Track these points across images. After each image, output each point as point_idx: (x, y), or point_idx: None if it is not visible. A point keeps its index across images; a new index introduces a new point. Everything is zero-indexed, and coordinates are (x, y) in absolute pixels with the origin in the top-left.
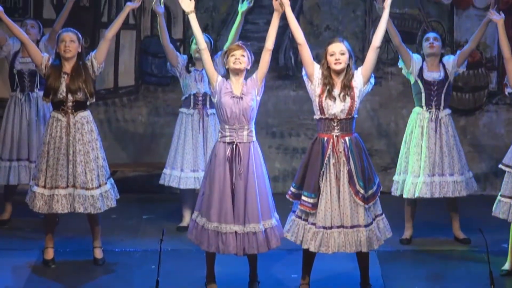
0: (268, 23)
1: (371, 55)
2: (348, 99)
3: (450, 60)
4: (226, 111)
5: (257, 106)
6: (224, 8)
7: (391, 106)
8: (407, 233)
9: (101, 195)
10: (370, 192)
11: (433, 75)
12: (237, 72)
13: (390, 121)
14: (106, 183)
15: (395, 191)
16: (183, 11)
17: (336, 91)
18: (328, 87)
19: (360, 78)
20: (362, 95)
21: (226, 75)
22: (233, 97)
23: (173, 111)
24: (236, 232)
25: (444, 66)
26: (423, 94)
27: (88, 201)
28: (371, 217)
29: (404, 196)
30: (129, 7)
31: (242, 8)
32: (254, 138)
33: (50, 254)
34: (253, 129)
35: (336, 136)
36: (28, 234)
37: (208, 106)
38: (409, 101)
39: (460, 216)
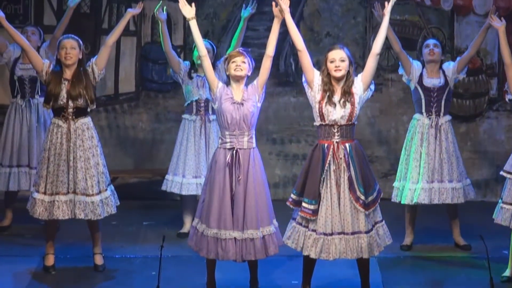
0: (268, 29)
1: (371, 62)
2: (348, 105)
3: (450, 67)
4: (226, 117)
5: (257, 113)
6: (224, 14)
7: (392, 113)
8: (407, 240)
9: (101, 201)
10: (370, 198)
11: (433, 81)
12: (237, 78)
13: (391, 127)
14: (106, 190)
15: (395, 198)
16: (184, 18)
17: (336, 98)
18: (328, 94)
19: (360, 85)
20: (362, 101)
21: (227, 81)
22: (234, 103)
23: (174, 118)
24: (235, 238)
25: (444, 72)
26: (423, 101)
27: (89, 208)
28: (371, 223)
29: (402, 202)
30: (130, 13)
31: (245, 14)
32: (255, 145)
33: (50, 260)
34: (253, 135)
35: (336, 142)
36: (28, 240)
37: (210, 112)
38: (410, 107)
39: (460, 222)
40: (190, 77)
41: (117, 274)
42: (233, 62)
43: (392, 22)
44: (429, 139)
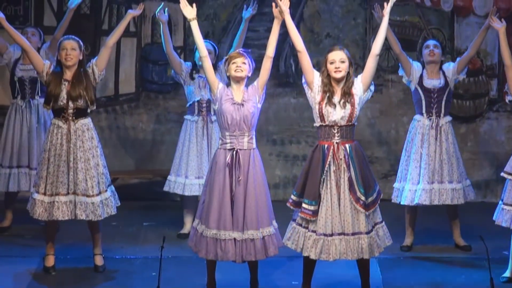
0: (268, 30)
1: (371, 63)
2: (348, 106)
3: (450, 67)
4: (227, 118)
5: (258, 113)
6: (224, 15)
7: (392, 114)
8: (407, 240)
9: (101, 202)
10: (370, 199)
11: (433, 82)
12: (238, 79)
13: (391, 128)
14: (106, 191)
15: (395, 199)
16: (184, 19)
17: (336, 98)
18: (328, 94)
19: (360, 86)
20: (362, 102)
21: (228, 82)
22: (234, 103)
23: (174, 119)
24: (235, 239)
25: (444, 73)
26: (423, 102)
27: (89, 208)
28: (371, 224)
29: (402, 203)
30: (130, 14)
31: (246, 15)
32: (255, 145)
33: (50, 261)
34: (253, 136)
35: (336, 143)
36: (28, 241)
37: (212, 112)
38: (410, 108)
39: (460, 223)
40: (192, 78)
41: (117, 275)
42: (234, 63)
43: (392, 23)
44: (429, 140)
